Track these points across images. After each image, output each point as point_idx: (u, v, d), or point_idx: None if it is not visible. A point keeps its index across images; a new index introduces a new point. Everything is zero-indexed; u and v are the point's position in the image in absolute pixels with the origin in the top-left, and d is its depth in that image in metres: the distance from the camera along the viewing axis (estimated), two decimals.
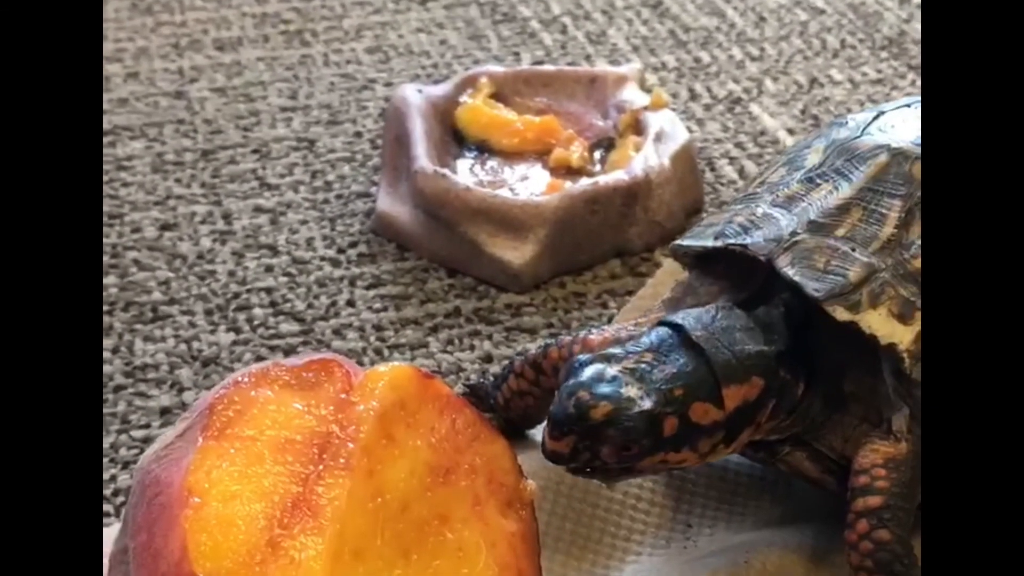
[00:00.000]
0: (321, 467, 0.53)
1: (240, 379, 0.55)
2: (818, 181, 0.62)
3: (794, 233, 0.60)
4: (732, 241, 0.61)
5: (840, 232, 0.59)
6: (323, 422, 0.55)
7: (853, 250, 0.59)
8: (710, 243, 0.62)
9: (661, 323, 0.58)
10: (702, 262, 0.64)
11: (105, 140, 0.99)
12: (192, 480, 0.52)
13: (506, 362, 0.67)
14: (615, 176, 0.86)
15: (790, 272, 0.58)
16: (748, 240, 0.60)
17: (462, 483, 0.55)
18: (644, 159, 0.87)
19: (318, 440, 0.54)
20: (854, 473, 0.57)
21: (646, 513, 0.65)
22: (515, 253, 0.83)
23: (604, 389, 0.53)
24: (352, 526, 0.52)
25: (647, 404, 0.54)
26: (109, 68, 1.08)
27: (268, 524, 0.51)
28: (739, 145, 0.99)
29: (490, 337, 0.80)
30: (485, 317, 0.82)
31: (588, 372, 0.54)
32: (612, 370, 0.54)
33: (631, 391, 0.54)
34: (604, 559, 0.63)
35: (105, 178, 0.94)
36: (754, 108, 1.04)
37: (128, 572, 0.53)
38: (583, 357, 0.55)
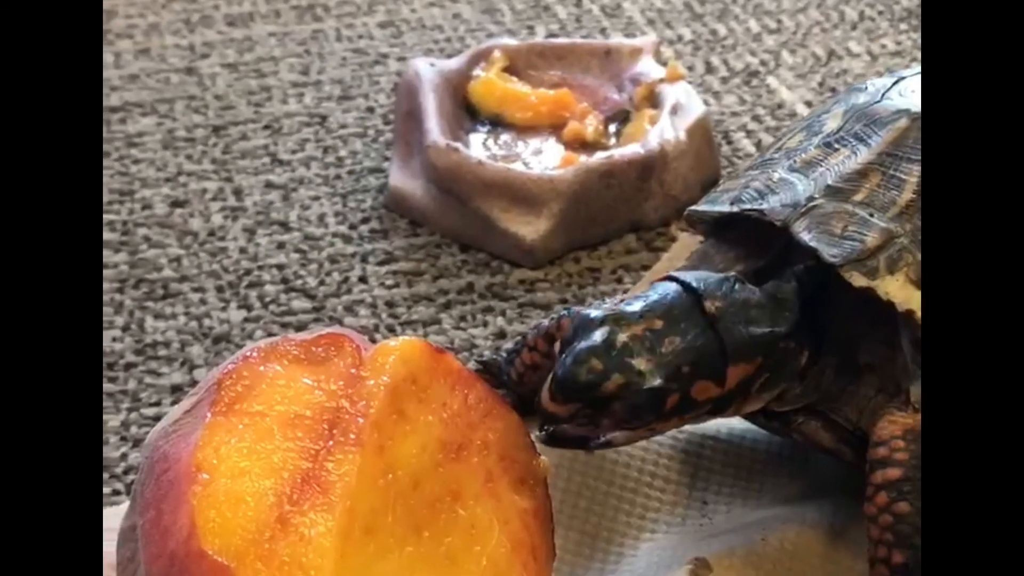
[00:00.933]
0: (331, 443, 0.52)
1: (249, 354, 0.55)
2: (836, 146, 0.61)
3: (811, 198, 0.59)
4: (748, 206, 0.60)
5: (858, 197, 0.58)
6: (333, 397, 0.54)
7: (871, 215, 0.58)
8: (726, 208, 0.61)
9: (675, 280, 0.56)
10: (718, 229, 0.63)
11: (115, 117, 0.98)
12: (200, 456, 0.51)
13: (518, 337, 0.67)
14: (630, 149, 0.85)
15: (806, 237, 0.57)
16: (764, 205, 0.59)
17: (474, 459, 0.55)
18: (660, 132, 0.86)
19: (328, 415, 0.53)
20: (872, 445, 0.56)
21: (661, 491, 0.64)
22: (529, 228, 0.82)
23: (616, 360, 0.53)
24: (363, 502, 0.51)
25: (656, 381, 0.53)
26: (120, 44, 1.07)
27: (278, 500, 0.50)
28: (756, 118, 0.98)
29: (503, 313, 0.79)
30: (498, 293, 0.81)
31: (599, 336, 0.53)
32: (623, 336, 0.53)
33: (642, 364, 0.53)
34: (619, 537, 0.62)
35: (116, 155, 0.94)
36: (771, 81, 1.02)
37: (137, 549, 0.52)
38: (594, 313, 0.54)
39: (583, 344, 0.53)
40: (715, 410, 0.57)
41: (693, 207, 0.64)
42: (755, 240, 0.60)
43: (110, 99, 1.00)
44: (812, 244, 0.57)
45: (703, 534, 0.61)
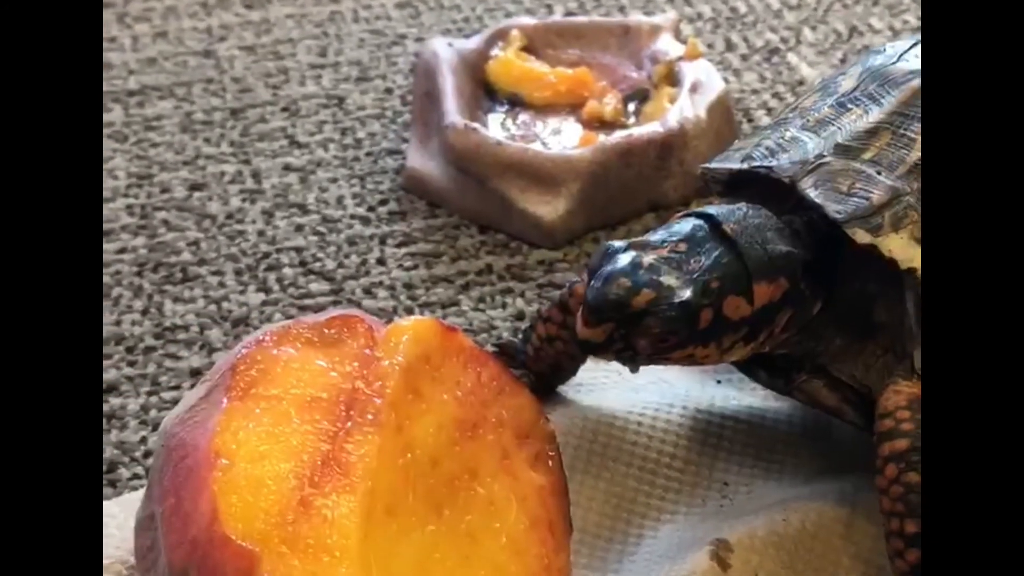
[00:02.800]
0: (349, 424, 0.52)
1: (262, 338, 0.55)
2: (849, 106, 0.61)
3: (820, 156, 0.59)
4: (758, 163, 0.60)
5: (867, 156, 0.58)
6: (348, 378, 0.54)
7: (879, 173, 0.58)
8: (736, 165, 0.61)
9: (690, 214, 0.57)
10: (732, 187, 0.63)
11: (133, 100, 0.98)
12: (219, 442, 0.51)
13: (533, 314, 0.66)
14: (650, 128, 0.84)
15: (812, 194, 0.58)
16: (774, 162, 0.60)
17: (489, 437, 0.55)
18: (679, 110, 0.85)
19: (344, 397, 0.53)
20: (878, 417, 0.55)
21: (681, 471, 0.64)
22: (547, 208, 0.82)
23: (644, 276, 0.53)
24: (383, 483, 0.51)
25: (686, 294, 0.53)
26: (138, 28, 1.07)
27: (299, 483, 0.50)
28: (776, 95, 0.97)
29: (522, 294, 0.79)
30: (517, 274, 0.81)
31: (624, 259, 0.54)
32: (648, 258, 0.54)
33: (670, 280, 0.54)
34: (639, 518, 0.62)
35: (134, 138, 0.94)
36: (792, 58, 1.02)
37: (156, 538, 0.52)
38: (616, 244, 0.55)
39: (610, 267, 0.54)
40: (749, 336, 0.57)
41: (705, 164, 0.64)
42: (768, 198, 0.60)
43: (128, 82, 1.00)
44: (818, 200, 0.57)
45: (723, 515, 0.61)
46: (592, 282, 0.54)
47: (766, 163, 0.60)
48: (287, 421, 0.52)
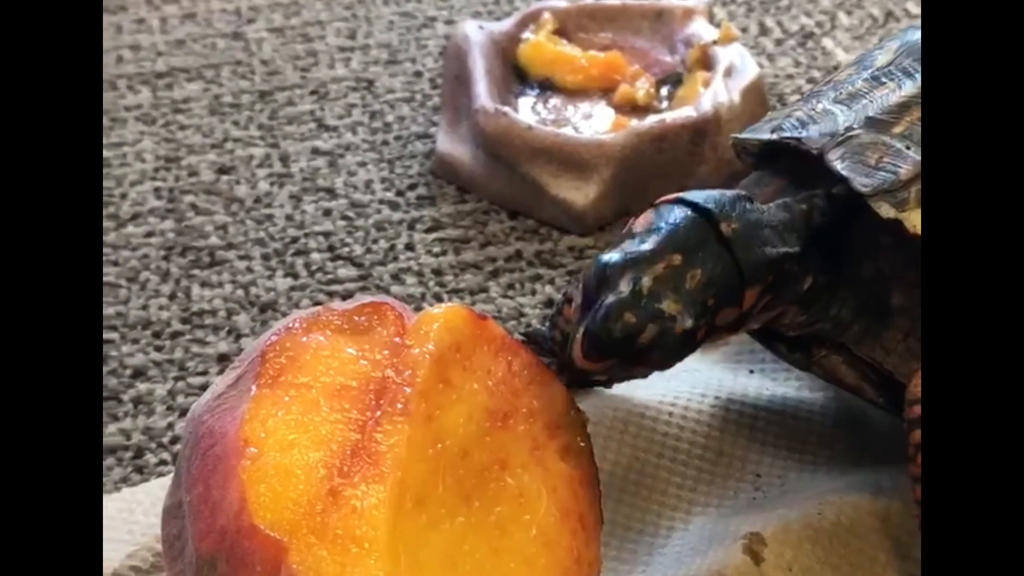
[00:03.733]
0: (379, 413, 0.51)
1: (291, 325, 0.54)
2: (883, 80, 0.60)
3: (849, 128, 0.58)
4: (787, 135, 0.60)
5: (897, 130, 0.58)
6: (378, 367, 0.53)
7: (908, 148, 0.57)
8: (765, 136, 0.61)
9: (683, 202, 0.56)
10: (764, 159, 0.62)
11: (162, 82, 0.97)
12: (248, 430, 0.50)
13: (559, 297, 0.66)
14: (683, 113, 0.83)
15: (839, 166, 0.57)
16: (803, 134, 0.59)
17: (520, 427, 0.54)
18: (713, 95, 0.84)
19: (374, 385, 0.52)
20: (907, 404, 0.55)
21: (713, 463, 0.63)
22: (578, 193, 0.81)
23: (647, 308, 0.52)
24: (413, 473, 0.50)
25: (688, 323, 0.53)
26: (166, 9, 1.06)
27: (328, 473, 0.50)
28: (811, 80, 0.95)
29: (552, 281, 0.78)
30: (547, 260, 0.80)
31: (625, 287, 0.52)
32: (647, 280, 0.53)
33: (671, 306, 0.53)
34: (670, 510, 0.61)
35: (162, 121, 0.93)
36: (827, 42, 1.00)
37: (184, 527, 0.51)
38: (611, 259, 0.53)
39: (611, 299, 0.52)
40: (730, 329, 0.57)
41: (736, 135, 0.64)
42: (798, 169, 0.59)
43: (156, 64, 0.99)
44: (845, 173, 0.56)
45: (756, 508, 0.60)
46: (593, 312, 0.52)
47: (795, 134, 0.59)
48: (316, 410, 0.51)
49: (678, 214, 0.55)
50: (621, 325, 0.52)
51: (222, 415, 0.51)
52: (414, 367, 0.53)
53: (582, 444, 0.55)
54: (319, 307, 0.55)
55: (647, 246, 0.54)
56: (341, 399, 0.52)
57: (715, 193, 0.56)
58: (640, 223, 0.55)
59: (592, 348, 0.52)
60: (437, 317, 0.54)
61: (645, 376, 0.56)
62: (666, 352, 0.53)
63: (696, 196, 0.56)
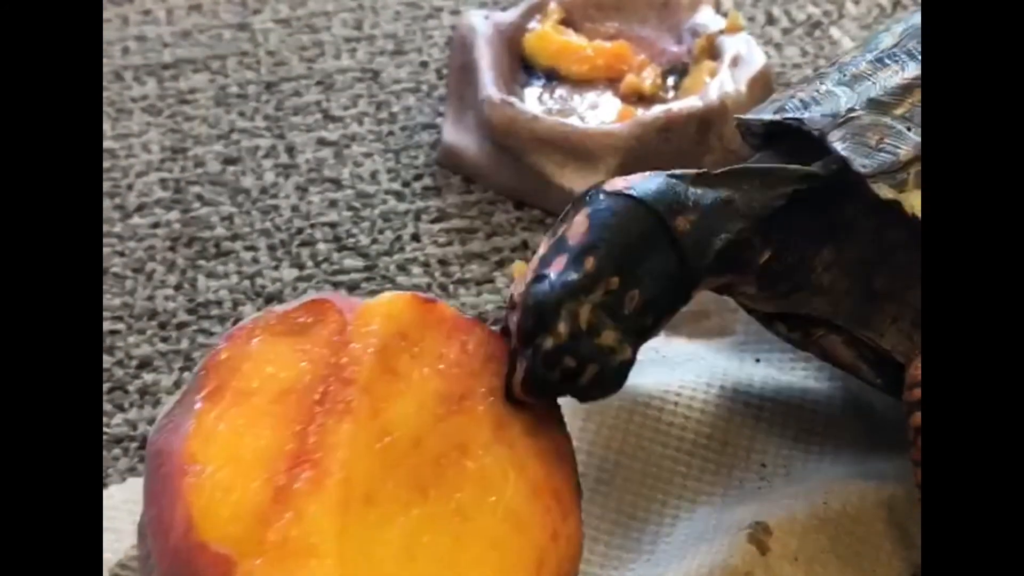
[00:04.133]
0: (320, 414, 0.50)
1: (233, 334, 0.53)
2: (887, 62, 0.60)
3: (851, 109, 0.58)
4: (790, 115, 0.60)
5: (899, 111, 0.58)
6: (320, 367, 0.52)
7: (908, 129, 0.57)
8: (768, 116, 0.61)
9: (629, 196, 0.54)
10: (768, 141, 0.62)
11: (167, 73, 0.97)
12: (192, 446, 0.49)
13: None
14: (689, 103, 0.83)
15: (840, 147, 0.57)
16: (805, 115, 0.59)
17: (479, 408, 0.52)
18: (720, 85, 0.84)
19: (317, 386, 0.51)
20: (907, 387, 0.55)
21: (718, 452, 0.63)
22: (584, 183, 0.80)
23: (586, 347, 0.51)
24: (359, 471, 0.49)
25: (628, 353, 0.52)
26: (172, 0, 1.06)
27: (272, 481, 0.49)
28: (818, 70, 0.95)
29: None
30: None
31: (562, 325, 0.50)
32: (585, 311, 0.51)
33: (610, 338, 0.51)
34: (674, 499, 0.61)
35: (168, 112, 0.93)
36: (834, 32, 1.00)
37: (149, 547, 0.51)
38: (546, 297, 0.51)
39: (549, 343, 0.50)
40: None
41: (739, 116, 0.64)
42: (803, 152, 0.59)
43: (162, 55, 0.99)
44: (844, 154, 0.56)
45: (761, 497, 0.60)
46: (532, 353, 0.51)
47: (798, 115, 0.59)
48: (259, 418, 0.50)
49: (618, 214, 0.53)
50: (560, 370, 0.51)
51: (169, 434, 0.51)
52: (355, 362, 0.51)
53: (551, 414, 0.53)
54: (260, 313, 0.54)
55: (582, 271, 0.52)
56: (284, 404, 0.51)
57: (656, 180, 0.55)
58: (574, 229, 0.53)
59: (531, 389, 0.51)
60: (378, 307, 0.53)
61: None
62: (607, 387, 0.52)
63: (639, 185, 0.54)
